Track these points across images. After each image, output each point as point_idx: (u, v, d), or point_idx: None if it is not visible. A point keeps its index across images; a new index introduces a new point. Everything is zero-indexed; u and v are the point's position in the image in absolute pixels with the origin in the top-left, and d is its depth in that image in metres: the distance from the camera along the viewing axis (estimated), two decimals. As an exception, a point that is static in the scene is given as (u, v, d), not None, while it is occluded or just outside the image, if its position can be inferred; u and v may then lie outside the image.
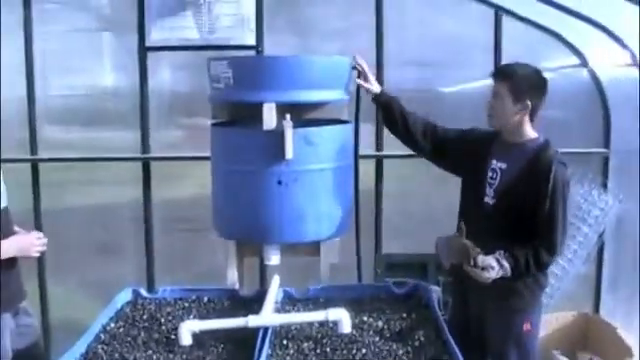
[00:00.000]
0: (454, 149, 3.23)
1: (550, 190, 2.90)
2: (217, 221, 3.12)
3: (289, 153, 2.79)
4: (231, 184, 2.99)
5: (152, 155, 4.27)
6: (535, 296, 3.10)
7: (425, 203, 3.73)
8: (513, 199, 2.98)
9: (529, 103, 2.99)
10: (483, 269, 2.82)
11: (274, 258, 3.00)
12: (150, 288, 3.27)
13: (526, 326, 3.07)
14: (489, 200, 3.05)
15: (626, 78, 4.21)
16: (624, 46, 4.07)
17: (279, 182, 2.85)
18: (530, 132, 3.06)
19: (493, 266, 2.83)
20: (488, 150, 3.13)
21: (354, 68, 3.18)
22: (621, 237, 4.37)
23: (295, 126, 2.82)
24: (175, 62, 4.36)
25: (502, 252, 2.87)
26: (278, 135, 2.80)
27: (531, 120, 3.04)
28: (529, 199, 2.93)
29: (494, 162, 3.09)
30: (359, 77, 3.21)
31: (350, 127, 3.15)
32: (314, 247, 3.02)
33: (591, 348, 4.20)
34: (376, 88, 3.26)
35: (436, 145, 3.26)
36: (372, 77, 3.26)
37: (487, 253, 2.86)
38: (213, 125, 3.13)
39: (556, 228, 2.93)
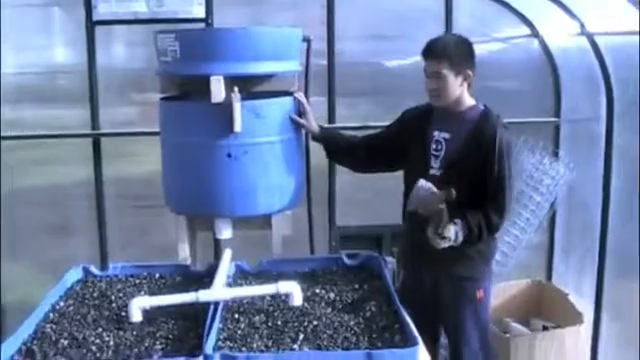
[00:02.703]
0: (394, 137, 3.24)
1: (497, 155, 2.93)
2: (167, 196, 3.08)
3: (238, 126, 2.76)
4: (180, 158, 2.95)
5: (102, 131, 4.20)
6: (487, 264, 3.14)
7: (379, 175, 3.73)
8: (460, 167, 2.99)
9: (470, 72, 3.00)
10: (443, 238, 2.83)
11: (225, 232, 2.98)
12: (103, 266, 3.22)
13: (479, 293, 3.10)
14: (435, 172, 3.05)
15: (576, 48, 4.24)
16: (573, 15, 4.09)
17: (229, 155, 2.82)
18: (469, 100, 3.08)
19: (450, 237, 2.84)
20: (427, 123, 3.13)
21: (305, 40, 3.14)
22: (572, 205, 4.43)
23: (245, 99, 2.80)
24: (129, 38, 4.28)
25: (459, 221, 2.88)
26: (226, 108, 2.77)
27: (469, 87, 3.06)
28: (476, 166, 2.96)
29: (436, 133, 3.09)
30: (300, 116, 3.08)
31: (300, 98, 3.12)
32: (266, 220, 3.00)
33: (544, 315, 4.26)
34: (315, 127, 3.20)
35: (379, 146, 3.27)
36: (311, 116, 3.16)
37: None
38: (162, 99, 3.09)
39: (504, 190, 2.96)
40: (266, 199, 2.91)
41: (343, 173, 4.38)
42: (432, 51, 3.01)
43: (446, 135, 3.06)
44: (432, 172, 3.05)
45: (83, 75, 4.20)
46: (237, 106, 2.75)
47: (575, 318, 3.98)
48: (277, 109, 2.90)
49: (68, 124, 4.31)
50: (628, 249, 3.89)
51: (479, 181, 2.96)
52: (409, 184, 3.07)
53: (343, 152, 3.31)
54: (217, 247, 3.95)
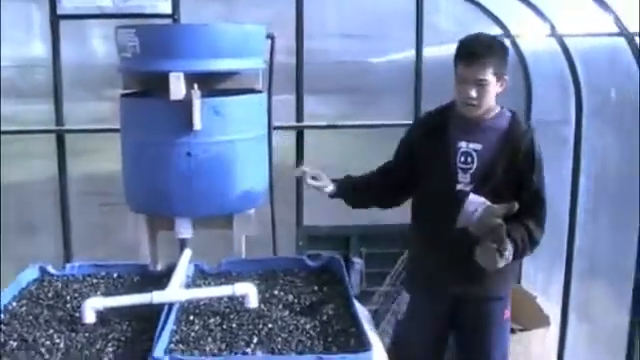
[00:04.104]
0: (409, 159, 2.96)
1: (536, 166, 2.77)
2: (127, 195, 3.03)
3: (197, 124, 2.72)
4: (140, 156, 2.91)
5: (65, 128, 4.14)
6: (511, 282, 3.02)
7: (346, 173, 3.69)
8: (494, 180, 2.77)
9: (507, 77, 2.79)
10: (502, 256, 2.63)
11: (185, 232, 2.94)
12: (65, 265, 3.16)
13: (506, 314, 2.98)
14: (463, 187, 2.79)
15: (548, 50, 4.23)
16: (544, 17, 4.08)
17: (188, 154, 2.78)
18: (495, 105, 2.84)
19: (509, 255, 2.65)
20: (446, 133, 2.86)
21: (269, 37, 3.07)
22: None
23: (208, 97, 2.75)
24: (106, 33, 4.23)
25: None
26: (186, 106, 2.72)
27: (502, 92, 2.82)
28: (510, 178, 2.77)
29: (463, 144, 2.82)
30: (314, 179, 2.95)
31: (264, 97, 3.08)
32: (227, 220, 2.96)
33: (512, 317, 4.24)
34: (331, 187, 2.99)
35: (397, 174, 3.01)
36: (325, 176, 2.98)
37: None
38: (122, 96, 3.03)
39: (543, 201, 2.80)
40: (227, 199, 2.87)
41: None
42: (476, 55, 2.71)
43: (477, 146, 2.80)
44: (459, 187, 2.80)
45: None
46: (197, 103, 2.71)
47: (542, 321, 3.98)
48: (238, 107, 2.86)
49: (41, 119, 4.26)
50: (596, 250, 3.89)
51: (511, 193, 2.74)
52: (428, 203, 2.89)
53: (362, 198, 3.06)
54: (183, 246, 3.91)
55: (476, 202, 2.66)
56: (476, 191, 2.74)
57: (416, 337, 2.94)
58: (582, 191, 3.99)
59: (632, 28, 3.41)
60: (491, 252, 2.62)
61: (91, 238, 4.47)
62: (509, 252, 2.63)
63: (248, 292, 2.43)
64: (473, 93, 2.72)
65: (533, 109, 4.43)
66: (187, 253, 2.90)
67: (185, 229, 2.94)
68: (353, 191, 3.04)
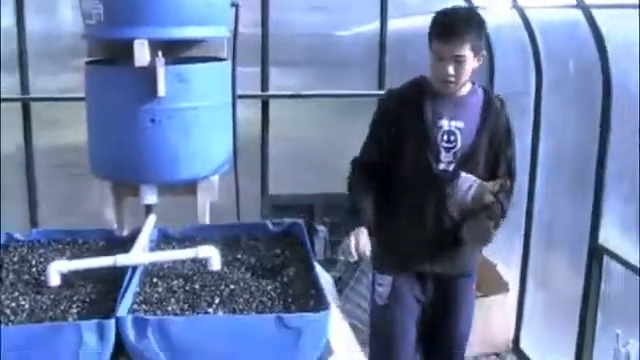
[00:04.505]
0: (392, 140, 2.84)
1: (511, 139, 2.80)
2: (92, 162, 3.05)
3: (161, 90, 2.74)
4: (105, 124, 2.93)
5: (31, 96, 4.13)
6: (478, 256, 3.06)
7: (312, 144, 3.75)
8: (477, 157, 2.76)
9: (484, 52, 2.76)
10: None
11: (150, 198, 2.96)
12: (31, 230, 3.18)
13: (474, 287, 3.03)
14: (446, 166, 2.76)
15: (509, 22, 4.30)
16: (506, -11, 4.14)
17: (152, 120, 2.80)
18: (467, 80, 2.80)
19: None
20: (427, 112, 2.77)
21: (234, 5, 3.07)
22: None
23: (172, 64, 2.78)
24: (67, 2, 4.21)
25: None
26: (151, 73, 2.74)
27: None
28: (492, 153, 2.77)
29: (445, 123, 2.76)
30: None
31: (228, 65, 3.11)
32: (192, 186, 3.00)
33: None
34: (366, 239, 2.74)
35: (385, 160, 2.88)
36: (365, 240, 2.73)
37: (461, 220, 2.71)
38: (87, 63, 3.04)
39: (514, 176, 2.84)
40: (190, 165, 2.90)
41: (277, 142, 4.42)
42: (454, 31, 2.64)
43: (459, 124, 2.75)
44: (442, 167, 2.76)
45: (29, 39, 4.12)
46: (161, 70, 2.73)
47: (501, 287, 4.09)
48: (202, 74, 2.88)
49: (6, 91, 4.23)
50: (554, 220, 3.99)
51: (488, 169, 2.77)
52: (408, 184, 2.81)
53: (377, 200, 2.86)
54: (148, 213, 3.94)
55: (468, 181, 2.66)
56: (459, 169, 2.72)
57: (400, 318, 2.89)
58: (541, 162, 4.08)
59: (589, 0, 3.48)
60: (487, 229, 2.64)
61: (58, 208, 4.49)
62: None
63: (211, 255, 2.47)
64: (451, 70, 2.66)
65: (496, 80, 4.49)
66: (151, 218, 2.94)
67: (150, 195, 2.96)
68: (378, 214, 2.84)
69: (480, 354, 4.04)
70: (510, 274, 4.21)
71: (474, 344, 3.91)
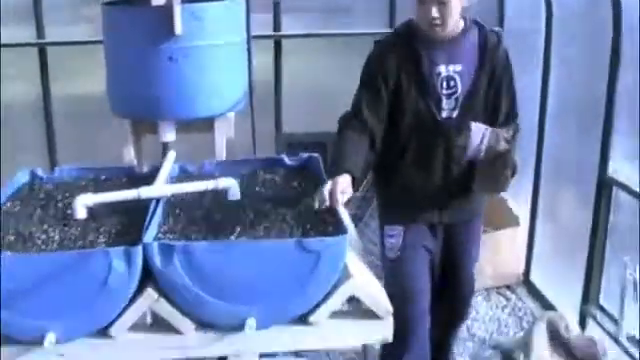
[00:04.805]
0: (390, 93, 2.72)
1: (510, 74, 2.74)
2: (112, 101, 3.13)
3: (178, 29, 2.80)
4: (123, 63, 3.00)
5: (47, 41, 4.18)
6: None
7: (324, 84, 3.79)
8: (479, 99, 2.71)
9: None
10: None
11: (169, 135, 3.05)
12: (54, 169, 3.26)
13: (481, 226, 3.06)
14: (449, 113, 2.70)
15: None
16: None
17: (170, 59, 2.87)
18: (459, 19, 2.70)
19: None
20: (423, 60, 2.69)
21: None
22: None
23: (188, 2, 2.83)
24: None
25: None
26: (167, 11, 2.80)
27: None
28: (493, 92, 2.71)
29: (443, 69, 2.67)
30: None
31: (242, 4, 3.15)
32: (209, 123, 3.07)
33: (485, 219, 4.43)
34: (348, 180, 2.54)
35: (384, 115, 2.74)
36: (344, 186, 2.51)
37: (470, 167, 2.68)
38: (104, 5, 3.10)
39: (517, 112, 2.79)
40: (207, 102, 2.97)
41: (290, 80, 4.45)
42: None
43: (457, 67, 2.67)
44: (445, 115, 2.69)
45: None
46: (177, 9, 2.79)
47: (512, 221, 4.17)
48: (217, 12, 2.94)
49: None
50: (563, 154, 4.03)
51: (492, 107, 2.72)
52: (411, 136, 2.74)
53: (370, 155, 2.75)
54: (164, 152, 4.02)
55: (480, 131, 2.58)
56: (462, 115, 2.67)
57: (413, 270, 2.86)
58: (551, 97, 4.11)
59: None
60: (503, 178, 2.62)
61: (76, 155, 4.56)
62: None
63: (231, 185, 2.55)
64: (435, 13, 2.57)
65: (506, 18, 4.50)
66: (171, 154, 3.01)
67: (168, 132, 3.05)
68: (381, 169, 2.85)
69: (492, 287, 4.14)
70: (520, 208, 4.28)
71: (486, 277, 4.02)
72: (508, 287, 4.21)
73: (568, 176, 4.03)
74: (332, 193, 2.41)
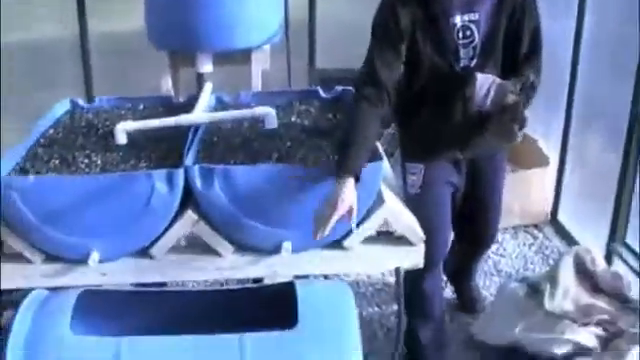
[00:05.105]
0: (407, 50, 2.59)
1: (534, 12, 2.61)
2: (150, 33, 3.18)
3: (217, -41, 2.83)
4: (161, -5, 3.04)
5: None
6: None
7: (357, 19, 3.78)
8: (498, 45, 2.61)
9: None
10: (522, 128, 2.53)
11: (206, 66, 3.10)
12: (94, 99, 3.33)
13: (505, 160, 3.05)
14: (467, 62, 2.61)
15: None
16: None
17: (209, -11, 2.91)
18: None
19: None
20: (436, 10, 2.57)
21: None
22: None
23: None
24: None
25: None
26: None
27: None
28: (512, 34, 2.60)
29: (458, 19, 2.56)
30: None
31: None
32: (245, 55, 3.11)
33: (513, 160, 4.44)
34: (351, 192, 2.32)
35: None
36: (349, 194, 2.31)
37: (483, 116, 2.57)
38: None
39: (541, 48, 2.65)
40: (245, 33, 3.02)
41: (323, 16, 4.45)
42: None
43: (473, 16, 2.55)
44: (462, 64, 2.60)
45: None
46: (216, -60, 2.81)
47: (541, 161, 4.19)
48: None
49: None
50: (596, 96, 4.03)
51: (512, 48, 2.62)
52: (429, 88, 2.67)
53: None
54: (200, 85, 4.08)
55: (486, 82, 2.49)
56: (480, 63, 2.59)
57: (434, 206, 2.86)
58: (585, 37, 4.08)
59: None
60: (510, 130, 2.52)
61: (112, 92, 4.61)
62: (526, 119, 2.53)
63: (268, 113, 2.60)
64: None
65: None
66: (208, 86, 3.07)
67: (206, 64, 3.10)
68: (399, 114, 2.78)
69: (519, 225, 4.18)
70: (550, 149, 4.30)
71: (514, 216, 4.07)
72: (535, 226, 4.24)
73: (600, 118, 4.02)
74: (340, 202, 2.27)
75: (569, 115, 4.15)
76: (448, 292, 3.43)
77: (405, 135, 2.89)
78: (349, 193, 2.26)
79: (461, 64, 2.60)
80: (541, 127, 4.47)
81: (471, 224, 3.08)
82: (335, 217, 2.24)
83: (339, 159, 2.37)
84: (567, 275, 3.02)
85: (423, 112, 2.72)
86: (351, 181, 2.28)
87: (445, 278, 3.35)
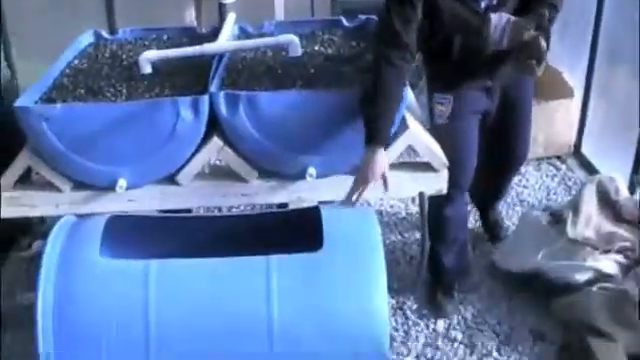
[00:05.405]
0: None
1: None
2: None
3: None
4: None
5: None
6: None
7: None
8: None
9: None
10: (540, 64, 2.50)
11: (229, -6, 3.08)
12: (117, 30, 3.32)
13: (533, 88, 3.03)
14: (487, 3, 2.56)
15: None
16: None
17: None
18: None
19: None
20: None
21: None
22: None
23: None
24: None
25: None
26: None
27: None
28: None
29: None
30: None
31: None
32: (268, -15, 3.10)
33: (537, 92, 4.41)
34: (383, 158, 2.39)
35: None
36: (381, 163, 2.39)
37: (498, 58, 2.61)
38: None
39: None
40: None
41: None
42: None
43: None
44: (483, 5, 2.55)
45: None
46: None
47: (566, 92, 4.16)
48: None
49: None
50: (621, 30, 3.97)
51: None
52: (452, 32, 2.61)
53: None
54: (222, 15, 4.05)
55: (500, 22, 2.49)
56: (501, 3, 2.55)
57: (462, 134, 2.84)
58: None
59: None
60: (529, 66, 2.52)
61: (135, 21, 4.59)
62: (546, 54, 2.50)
63: (292, 41, 2.59)
64: None
65: None
66: (231, 16, 3.07)
67: (229, -7, 3.08)
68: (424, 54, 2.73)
69: (543, 156, 4.17)
70: (575, 81, 4.26)
71: (538, 146, 4.06)
72: (559, 157, 4.22)
73: (625, 53, 3.97)
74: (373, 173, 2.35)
75: (594, 47, 4.10)
76: (471, 221, 3.44)
77: (432, 71, 2.87)
78: (380, 161, 2.33)
79: (482, 5, 2.55)
80: (567, 59, 4.43)
81: (502, 147, 3.08)
82: (370, 185, 2.32)
83: (368, 129, 2.36)
84: (590, 203, 3.03)
85: (450, 53, 2.68)
86: (381, 150, 2.33)
87: (470, 206, 3.37)
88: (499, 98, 2.85)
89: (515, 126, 3.04)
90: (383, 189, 2.39)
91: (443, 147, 2.61)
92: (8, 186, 2.53)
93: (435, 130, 2.79)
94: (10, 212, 2.55)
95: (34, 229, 3.35)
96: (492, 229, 3.41)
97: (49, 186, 2.55)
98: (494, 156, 3.06)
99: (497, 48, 2.53)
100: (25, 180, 2.62)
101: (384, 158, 2.35)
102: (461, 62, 2.67)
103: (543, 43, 2.47)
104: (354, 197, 2.36)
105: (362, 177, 2.33)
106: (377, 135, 2.34)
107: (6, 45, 4.42)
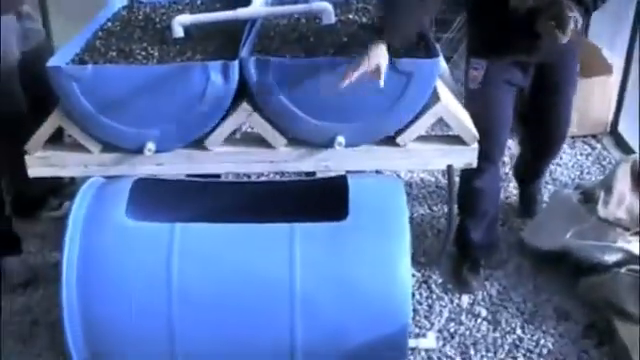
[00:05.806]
0: None
1: None
2: None
3: None
4: None
5: None
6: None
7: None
8: None
9: None
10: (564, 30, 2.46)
11: (263, -39, 3.05)
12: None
13: (577, 67, 2.98)
14: None
15: None
16: None
17: None
18: None
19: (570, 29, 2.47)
20: None
21: None
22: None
23: None
24: None
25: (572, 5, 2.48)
26: None
27: None
28: None
29: None
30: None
31: None
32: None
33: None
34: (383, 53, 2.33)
35: None
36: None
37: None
38: None
39: None
40: None
41: None
42: None
43: None
44: None
45: None
46: None
47: (604, 69, 4.08)
48: None
49: None
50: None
51: None
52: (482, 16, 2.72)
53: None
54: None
55: None
56: None
57: (494, 100, 2.83)
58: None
59: None
60: (550, 29, 2.49)
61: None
62: (575, 19, 2.45)
63: (325, 8, 2.56)
64: None
65: None
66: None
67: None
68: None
69: (578, 135, 4.11)
70: (614, 59, 4.17)
71: (573, 125, 3.99)
72: (594, 136, 4.16)
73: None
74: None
75: (636, 23, 4.02)
76: (502, 195, 3.41)
77: (474, 31, 2.88)
78: (378, 54, 2.28)
79: None
80: (606, 35, 4.35)
81: (542, 129, 3.09)
82: (361, 71, 2.24)
83: (379, 27, 2.42)
84: (623, 183, 2.97)
85: (491, 13, 2.68)
86: (383, 47, 2.29)
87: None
88: (537, 77, 2.82)
89: (556, 108, 3.01)
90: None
91: (474, 116, 2.60)
92: (38, 145, 2.54)
93: (467, 96, 2.82)
94: (40, 172, 2.58)
95: (64, 190, 3.40)
96: (527, 204, 3.39)
97: (79, 147, 2.56)
98: (534, 137, 3.06)
99: (522, 5, 2.52)
100: (57, 141, 2.64)
101: (384, 53, 2.29)
102: (500, 27, 2.66)
103: (568, 8, 2.44)
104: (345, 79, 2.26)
105: (356, 63, 2.27)
106: (384, 32, 2.33)
107: (43, 5, 4.49)
